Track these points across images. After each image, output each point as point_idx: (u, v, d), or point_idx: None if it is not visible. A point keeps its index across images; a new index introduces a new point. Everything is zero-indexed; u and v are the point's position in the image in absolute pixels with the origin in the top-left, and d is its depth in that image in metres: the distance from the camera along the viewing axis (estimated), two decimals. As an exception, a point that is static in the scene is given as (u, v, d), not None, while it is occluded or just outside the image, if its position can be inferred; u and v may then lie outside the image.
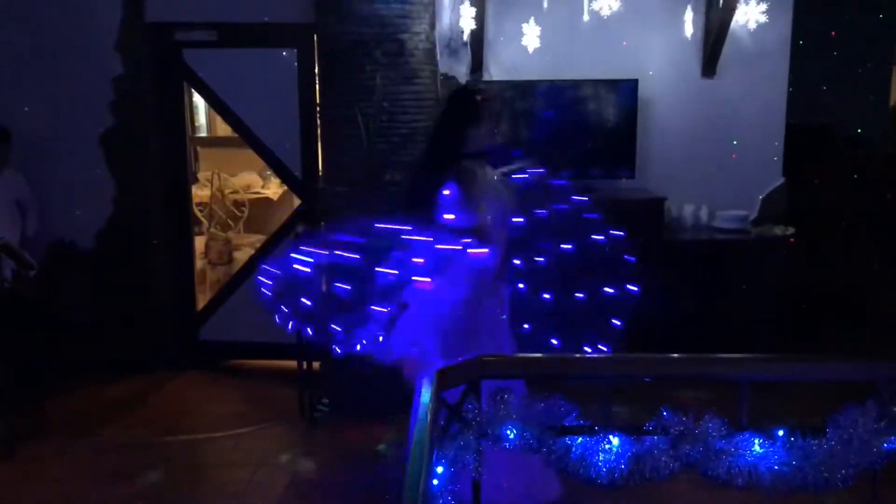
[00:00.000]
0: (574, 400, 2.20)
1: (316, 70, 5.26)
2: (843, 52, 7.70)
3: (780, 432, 2.16)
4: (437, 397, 1.96)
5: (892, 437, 2.19)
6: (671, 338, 4.87)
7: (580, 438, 2.17)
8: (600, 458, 2.16)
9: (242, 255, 6.77)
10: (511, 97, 5.45)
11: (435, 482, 1.88)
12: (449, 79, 5.46)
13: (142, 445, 4.56)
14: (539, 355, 2.21)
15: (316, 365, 4.97)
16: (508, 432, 2.13)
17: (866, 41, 8.11)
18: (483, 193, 3.41)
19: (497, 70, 5.50)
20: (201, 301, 6.01)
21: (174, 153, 5.70)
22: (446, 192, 3.39)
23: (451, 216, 3.37)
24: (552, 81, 5.44)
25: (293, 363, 4.98)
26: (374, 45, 4.70)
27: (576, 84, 5.45)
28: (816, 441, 2.16)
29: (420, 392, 1.90)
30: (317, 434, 4.76)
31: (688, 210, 5.59)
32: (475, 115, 3.50)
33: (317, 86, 5.25)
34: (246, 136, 5.61)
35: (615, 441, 2.15)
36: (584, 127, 5.50)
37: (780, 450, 2.17)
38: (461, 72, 5.44)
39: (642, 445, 2.15)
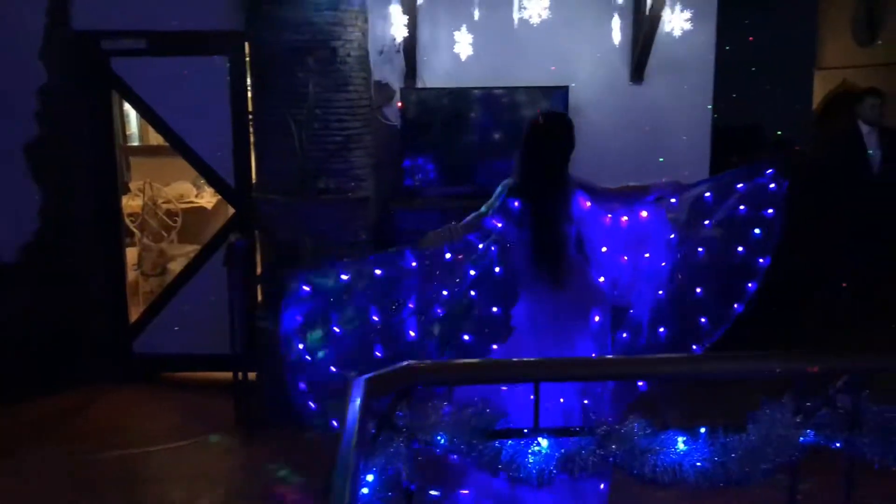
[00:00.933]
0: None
1: (248, 77, 5.21)
2: (767, 57, 7.97)
3: (703, 429, 2.23)
4: (367, 405, 1.97)
5: (809, 431, 2.28)
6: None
7: (510, 441, 2.20)
8: (530, 460, 2.20)
9: (177, 266, 6.66)
10: (446, 104, 5.49)
11: (365, 490, 1.89)
12: (382, 86, 5.48)
13: (76, 463, 4.45)
14: (472, 360, 2.23)
15: (252, 375, 4.92)
16: (439, 438, 2.15)
17: (789, 47, 8.41)
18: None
19: (430, 77, 5.54)
20: (135, 313, 5.89)
21: (103, 163, 5.58)
22: (588, 205, 3.41)
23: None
24: (485, 89, 5.50)
25: (229, 374, 4.92)
26: (306, 52, 4.68)
27: (509, 91, 5.52)
28: (737, 437, 2.23)
29: (350, 400, 1.90)
30: (254, 445, 4.71)
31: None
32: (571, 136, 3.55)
33: (249, 93, 5.21)
34: (177, 144, 5.53)
35: (544, 443, 2.19)
36: (517, 133, 5.55)
37: (703, 447, 2.24)
38: (395, 79, 5.47)
39: (571, 446, 2.19)
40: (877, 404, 2.36)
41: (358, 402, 1.86)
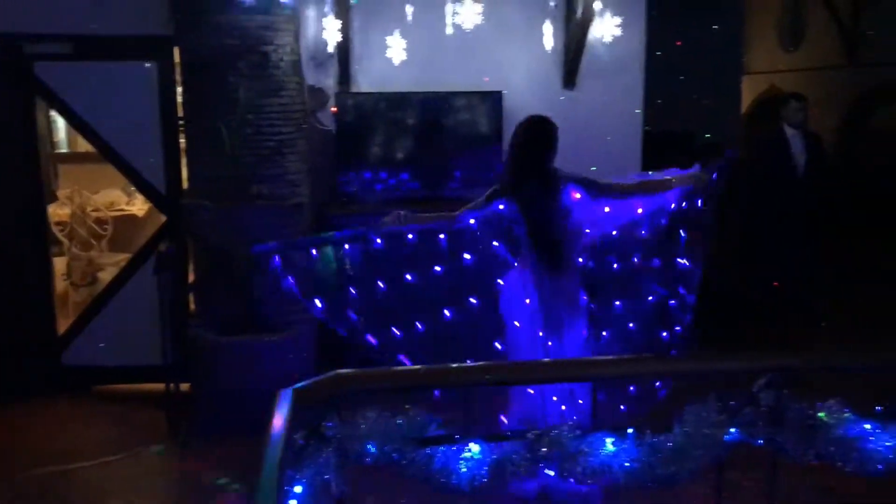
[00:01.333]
0: (434, 410, 2.24)
1: (178, 83, 5.12)
2: (696, 63, 8.15)
3: (630, 430, 2.26)
4: (295, 416, 1.95)
5: (733, 429, 2.34)
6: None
7: (442, 448, 2.20)
8: (462, 467, 2.20)
9: (107, 275, 6.49)
10: (382, 109, 5.48)
11: (293, 503, 1.87)
12: (316, 90, 5.43)
13: (4, 481, 4.29)
14: (401, 368, 2.22)
15: (185, 386, 4.83)
16: (369, 447, 2.13)
17: (718, 52, 8.62)
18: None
19: (365, 82, 5.52)
20: (64, 325, 5.72)
21: (27, 171, 5.41)
22: (577, 196, 3.71)
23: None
24: (421, 93, 5.51)
25: (161, 386, 4.82)
26: (237, 57, 4.62)
27: (445, 96, 5.54)
28: (664, 437, 2.27)
29: (276, 411, 1.88)
30: (189, 457, 4.61)
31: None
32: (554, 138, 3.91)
33: (179, 99, 5.12)
34: (105, 151, 5.39)
35: (475, 448, 2.20)
36: (454, 138, 5.59)
37: (632, 447, 2.27)
38: (329, 84, 5.43)
39: (502, 450, 2.20)
40: (798, 401, 2.44)
41: (284, 413, 1.84)
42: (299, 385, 2.02)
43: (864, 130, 10.20)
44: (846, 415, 2.37)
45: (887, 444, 2.38)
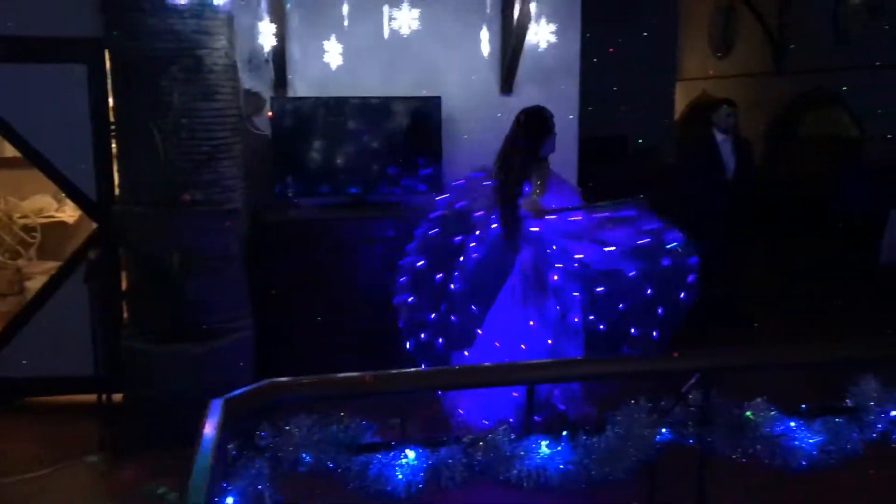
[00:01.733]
0: (371, 417, 2.23)
1: (109, 87, 5.00)
2: (631, 69, 8.32)
3: (565, 432, 2.30)
4: (227, 426, 1.92)
5: (664, 429, 2.39)
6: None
7: (377, 455, 2.19)
8: (398, 473, 2.20)
9: (36, 284, 6.30)
10: (319, 114, 5.44)
11: (225, 514, 1.84)
12: (253, 95, 5.37)
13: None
14: (335, 376, 2.21)
15: (118, 397, 4.72)
16: (304, 456, 2.12)
17: (652, 59, 8.81)
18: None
19: (302, 87, 5.48)
20: (-11, 335, 5.53)
21: (-51, 177, 5.22)
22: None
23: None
24: (358, 98, 5.49)
25: (94, 397, 4.69)
26: (170, 60, 4.53)
27: (383, 101, 5.53)
28: (597, 438, 2.31)
29: (206, 422, 1.85)
30: (122, 469, 4.51)
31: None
32: (549, 127, 4.65)
33: (110, 103, 5.00)
34: (32, 156, 5.22)
35: (411, 454, 2.20)
36: (393, 143, 5.58)
37: (566, 449, 2.31)
38: (264, 88, 5.37)
39: (438, 456, 2.21)
40: (725, 400, 2.50)
41: (214, 424, 1.81)
42: (231, 394, 2.00)
43: (790, 136, 10.52)
44: (772, 413, 2.45)
45: (811, 440, 2.46)
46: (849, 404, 2.52)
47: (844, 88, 9.53)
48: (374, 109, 5.53)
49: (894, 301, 6.86)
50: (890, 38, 8.86)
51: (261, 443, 2.04)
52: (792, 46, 10.51)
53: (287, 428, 2.14)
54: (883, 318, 6.28)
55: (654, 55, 8.85)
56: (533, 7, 5.35)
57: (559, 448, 2.29)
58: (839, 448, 2.44)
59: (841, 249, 7.04)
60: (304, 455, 2.12)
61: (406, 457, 2.20)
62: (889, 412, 2.50)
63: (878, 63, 8.90)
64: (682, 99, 11.15)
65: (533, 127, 4.63)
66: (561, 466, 2.28)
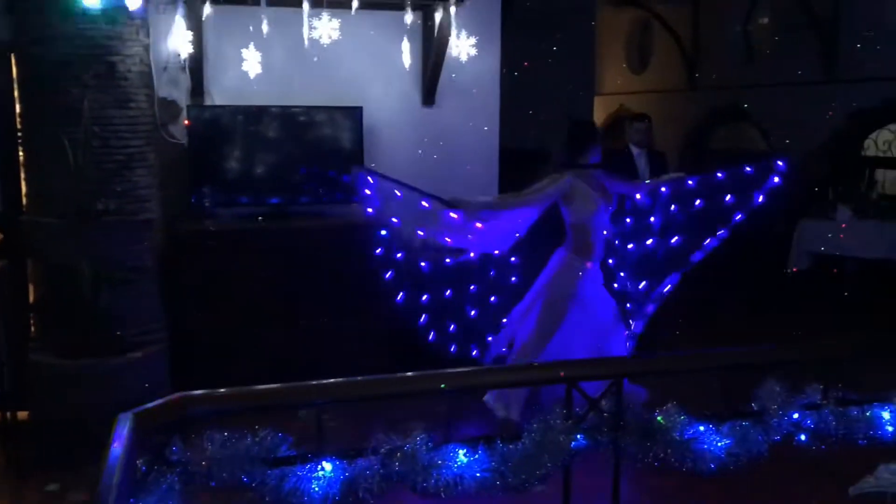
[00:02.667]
0: (286, 429, 2.21)
1: (15, 93, 4.82)
2: (551, 83, 8.46)
3: (481, 441, 2.31)
4: (136, 441, 1.87)
5: (579, 436, 2.43)
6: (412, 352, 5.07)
7: (293, 468, 2.17)
8: (314, 486, 2.18)
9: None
10: (238, 123, 5.36)
11: (133, 532, 1.79)
12: (169, 103, 5.26)
13: None
14: (248, 388, 2.17)
15: (23, 414, 4.53)
16: (217, 470, 2.08)
17: (571, 73, 8.98)
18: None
19: (220, 95, 5.39)
20: None
21: None
22: None
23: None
24: (279, 107, 5.43)
25: (-3, 414, 4.51)
26: (81, 66, 4.41)
27: (303, 111, 5.48)
28: (513, 446, 2.33)
29: (114, 438, 1.80)
30: (26, 489, 4.32)
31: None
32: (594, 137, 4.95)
33: (17, 109, 4.82)
34: (-68, 164, 5.01)
35: (328, 466, 2.18)
36: (313, 153, 5.53)
37: (483, 457, 2.32)
38: (181, 96, 5.27)
39: (355, 468, 2.20)
40: (637, 406, 2.56)
41: (122, 439, 1.76)
42: (140, 409, 1.94)
43: (703, 149, 10.89)
44: (682, 418, 2.52)
45: (719, 444, 2.54)
46: (754, 408, 2.61)
47: (745, 106, 9.92)
48: (295, 119, 5.48)
49: (801, 305, 7.16)
50: (794, 55, 9.27)
51: (172, 457, 1.99)
52: (704, 64, 10.88)
53: (199, 441, 2.10)
54: (791, 321, 6.55)
55: (572, 69, 9.01)
56: (453, 20, 5.40)
57: (476, 456, 2.30)
58: (745, 451, 2.53)
59: (751, 258, 7.30)
60: (217, 469, 2.07)
61: (322, 469, 2.17)
62: (791, 415, 2.60)
63: (783, 80, 9.29)
64: (600, 113, 11.41)
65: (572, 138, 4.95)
66: (478, 474, 2.30)
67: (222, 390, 2.09)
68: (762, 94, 9.71)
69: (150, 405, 1.96)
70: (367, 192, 4.52)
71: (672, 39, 11.28)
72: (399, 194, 4.54)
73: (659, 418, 2.48)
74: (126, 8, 4.40)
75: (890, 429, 2.45)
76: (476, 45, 5.49)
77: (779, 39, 9.81)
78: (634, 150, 6.40)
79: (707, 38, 10.92)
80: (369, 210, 4.57)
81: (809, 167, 8.66)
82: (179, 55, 5.14)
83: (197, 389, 2.14)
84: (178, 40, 5.09)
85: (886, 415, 2.45)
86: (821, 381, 2.61)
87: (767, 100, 9.63)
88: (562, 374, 2.46)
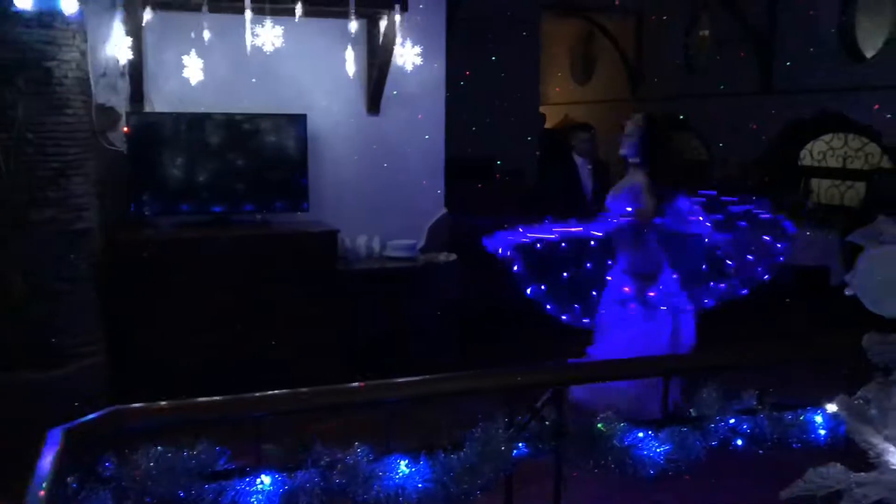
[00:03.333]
0: (225, 442, 2.17)
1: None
2: (497, 93, 8.52)
3: (424, 450, 2.31)
4: (68, 458, 1.82)
5: (520, 444, 2.44)
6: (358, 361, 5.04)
7: (231, 482, 2.13)
8: (253, 501, 2.15)
9: None
10: (179, 130, 5.27)
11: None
12: (107, 109, 5.15)
13: None
14: (185, 401, 2.13)
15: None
16: (152, 486, 2.03)
17: (517, 83, 9.05)
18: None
19: (160, 102, 5.30)
20: None
21: None
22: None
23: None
24: (222, 114, 5.36)
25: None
26: (15, 71, 4.30)
27: (246, 118, 5.42)
28: (455, 456, 2.33)
29: (42, 455, 1.74)
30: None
31: (360, 241, 5.79)
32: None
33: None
34: None
35: (267, 480, 2.15)
36: (257, 161, 5.47)
37: (425, 468, 2.32)
38: (120, 103, 5.17)
39: (294, 481, 2.17)
40: (578, 414, 2.59)
41: (52, 455, 1.71)
42: (71, 424, 1.89)
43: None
44: (621, 425, 2.55)
45: (658, 449, 2.58)
46: (692, 414, 2.66)
47: (682, 117, 10.13)
48: (237, 126, 5.41)
49: (736, 310, 7.30)
50: (733, 68, 9.50)
51: (105, 473, 1.94)
52: (647, 75, 11.08)
53: (134, 456, 2.05)
54: (727, 330, 6.66)
55: (518, 80, 9.09)
56: (398, 29, 5.41)
57: (417, 467, 2.29)
58: (684, 456, 2.57)
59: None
60: (152, 485, 2.03)
61: (261, 483, 2.14)
62: (728, 420, 2.65)
63: (722, 91, 9.51)
64: (545, 123, 11.51)
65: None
66: (419, 485, 2.29)
67: (159, 403, 2.04)
68: (702, 106, 9.92)
69: (82, 420, 1.91)
70: (508, 254, 4.65)
71: (615, 51, 11.47)
72: (539, 247, 4.73)
73: (599, 425, 2.50)
74: (61, 12, 4.31)
75: (822, 433, 2.52)
76: (421, 55, 5.49)
77: (718, 52, 10.04)
78: (578, 160, 6.48)
79: (649, 50, 11.12)
80: (515, 269, 4.68)
81: (747, 176, 8.88)
82: (118, 61, 5.04)
83: (137, 402, 2.09)
84: (116, 46, 5.00)
85: (818, 419, 2.51)
86: (756, 386, 2.67)
87: (707, 111, 9.85)
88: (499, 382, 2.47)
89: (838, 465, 1.60)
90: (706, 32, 10.48)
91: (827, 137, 9.08)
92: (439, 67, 6.01)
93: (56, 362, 4.34)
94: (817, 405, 2.53)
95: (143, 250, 4.99)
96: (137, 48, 5.02)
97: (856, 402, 1.60)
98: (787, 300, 7.70)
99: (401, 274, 5.75)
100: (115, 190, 5.09)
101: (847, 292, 1.71)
